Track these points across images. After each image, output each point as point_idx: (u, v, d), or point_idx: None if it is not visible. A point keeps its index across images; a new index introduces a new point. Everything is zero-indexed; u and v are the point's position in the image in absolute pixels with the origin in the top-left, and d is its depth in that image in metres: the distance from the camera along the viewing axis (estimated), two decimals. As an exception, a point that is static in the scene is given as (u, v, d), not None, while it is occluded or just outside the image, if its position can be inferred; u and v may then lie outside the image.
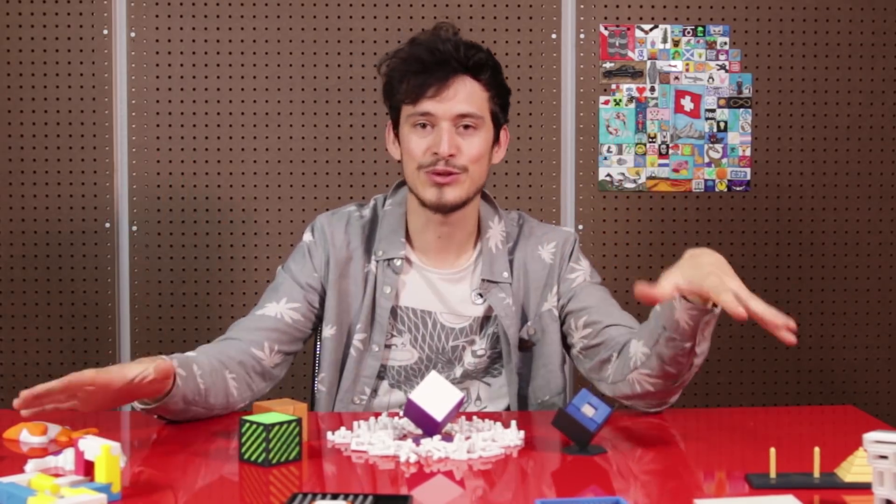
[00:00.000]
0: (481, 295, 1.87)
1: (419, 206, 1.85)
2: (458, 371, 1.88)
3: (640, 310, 2.77)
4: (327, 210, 2.00)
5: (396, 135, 1.88)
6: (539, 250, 1.92)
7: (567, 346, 1.92)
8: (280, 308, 1.83)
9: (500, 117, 1.86)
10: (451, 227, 1.86)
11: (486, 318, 1.88)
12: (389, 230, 1.89)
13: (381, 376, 1.88)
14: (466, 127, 1.80)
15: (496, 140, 1.88)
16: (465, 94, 1.80)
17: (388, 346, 1.87)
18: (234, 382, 1.74)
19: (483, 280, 1.87)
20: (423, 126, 1.80)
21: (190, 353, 1.72)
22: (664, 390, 1.70)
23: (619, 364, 1.75)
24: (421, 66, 1.79)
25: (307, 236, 1.91)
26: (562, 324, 1.91)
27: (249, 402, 1.76)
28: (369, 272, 1.87)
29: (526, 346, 1.89)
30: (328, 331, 1.86)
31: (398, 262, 1.86)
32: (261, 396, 1.78)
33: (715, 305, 1.60)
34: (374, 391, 1.89)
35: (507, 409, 1.89)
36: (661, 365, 1.66)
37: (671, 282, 1.55)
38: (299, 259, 1.89)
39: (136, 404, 1.61)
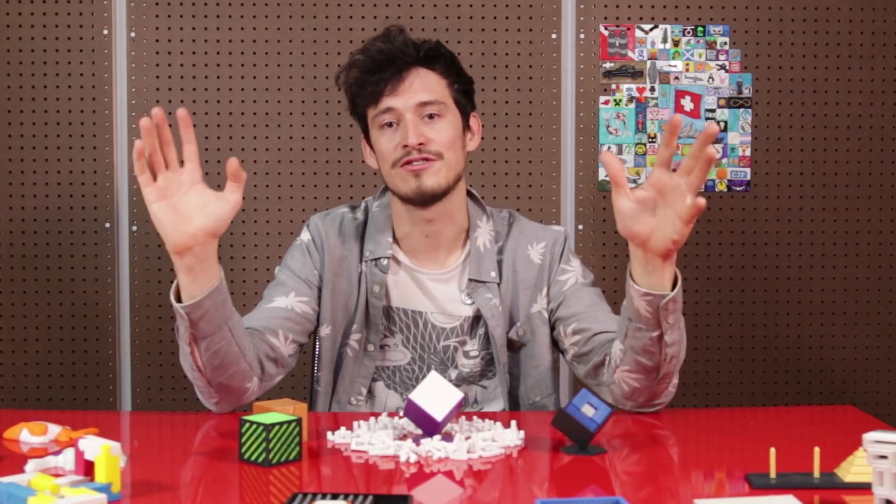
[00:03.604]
0: (470, 295, 1.87)
1: (403, 208, 1.85)
2: (454, 374, 1.88)
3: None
4: (326, 210, 2.01)
5: (370, 145, 1.88)
6: (528, 250, 1.91)
7: (561, 351, 1.91)
8: (290, 301, 1.84)
9: (464, 104, 1.87)
10: (436, 225, 1.86)
11: (477, 319, 1.88)
12: (377, 230, 1.89)
13: (375, 378, 1.88)
14: (431, 116, 1.81)
15: (467, 127, 1.88)
16: (422, 84, 1.82)
17: (382, 347, 1.88)
18: (252, 352, 1.73)
19: (470, 280, 1.86)
20: (390, 125, 1.82)
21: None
22: (649, 386, 1.68)
23: (608, 366, 1.74)
24: (374, 67, 1.82)
25: (304, 235, 1.92)
26: (552, 329, 1.90)
27: (259, 388, 1.75)
28: (362, 272, 1.87)
29: (515, 347, 1.89)
30: (324, 330, 1.87)
31: (385, 262, 1.86)
32: (272, 385, 1.79)
33: (673, 287, 1.58)
34: (370, 392, 1.89)
35: (502, 410, 1.89)
36: (636, 358, 1.65)
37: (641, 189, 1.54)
38: (298, 256, 1.90)
39: (177, 305, 1.60)
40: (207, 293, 1.58)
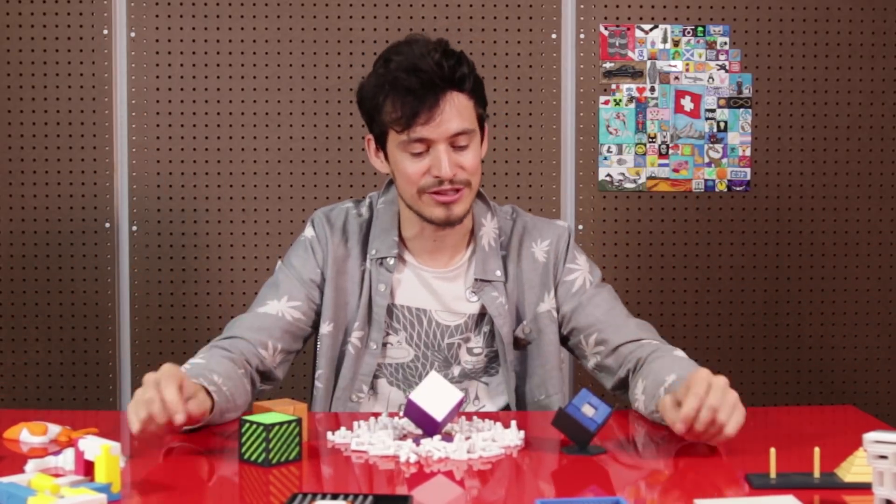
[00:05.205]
0: (475, 293, 1.87)
1: (416, 219, 1.84)
2: (456, 370, 1.88)
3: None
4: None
5: (378, 147, 1.86)
6: (532, 248, 1.91)
7: (580, 359, 1.91)
8: (281, 306, 1.83)
9: (484, 118, 1.84)
10: (446, 230, 1.86)
11: (481, 316, 1.88)
12: (382, 229, 1.88)
13: (377, 375, 1.88)
14: (461, 143, 1.77)
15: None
16: (456, 112, 1.75)
17: (384, 345, 1.87)
18: (246, 379, 1.73)
19: (476, 279, 1.86)
20: (417, 150, 1.77)
21: (199, 361, 1.69)
22: None
23: (630, 390, 1.75)
24: (407, 92, 1.73)
25: (308, 231, 1.91)
26: (568, 337, 1.89)
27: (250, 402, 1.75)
28: (365, 270, 1.87)
29: (521, 345, 1.89)
30: (325, 328, 1.86)
31: (391, 261, 1.86)
32: (259, 397, 1.78)
33: None
34: (373, 389, 1.89)
35: (507, 407, 1.89)
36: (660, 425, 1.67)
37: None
38: (301, 253, 1.89)
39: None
40: (208, 419, 1.58)
